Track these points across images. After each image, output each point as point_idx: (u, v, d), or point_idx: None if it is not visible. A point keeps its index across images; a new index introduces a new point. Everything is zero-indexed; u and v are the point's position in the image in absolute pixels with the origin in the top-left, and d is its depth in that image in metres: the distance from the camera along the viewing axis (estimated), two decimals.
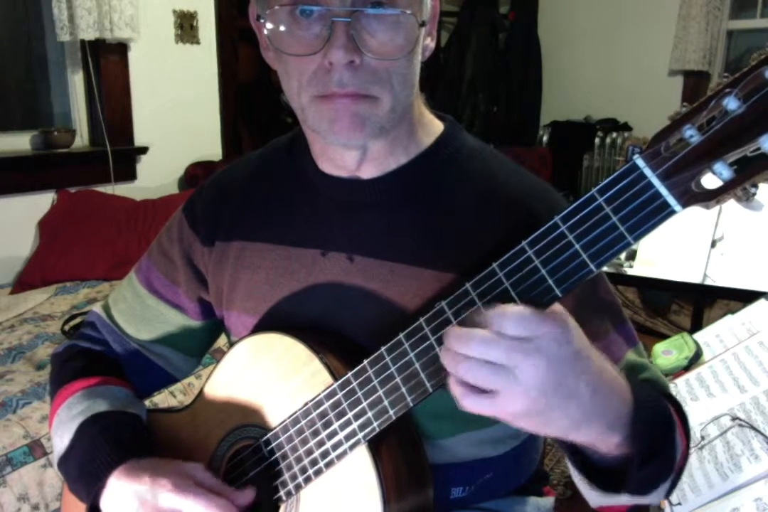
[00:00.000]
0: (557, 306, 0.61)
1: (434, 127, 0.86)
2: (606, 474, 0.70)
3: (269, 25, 0.74)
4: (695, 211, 0.57)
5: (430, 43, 0.81)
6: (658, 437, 0.68)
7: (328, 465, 0.73)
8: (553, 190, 0.85)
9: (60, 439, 0.88)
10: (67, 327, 2.21)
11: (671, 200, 0.55)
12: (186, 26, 3.19)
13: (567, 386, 0.59)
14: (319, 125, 0.76)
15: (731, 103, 0.51)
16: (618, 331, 0.81)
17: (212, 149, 3.41)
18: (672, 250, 1.93)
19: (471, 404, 0.60)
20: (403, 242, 0.80)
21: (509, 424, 0.61)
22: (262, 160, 0.94)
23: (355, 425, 0.71)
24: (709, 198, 0.53)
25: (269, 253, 0.86)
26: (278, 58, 0.77)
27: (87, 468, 0.83)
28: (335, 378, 0.73)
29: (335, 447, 0.72)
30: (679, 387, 1.33)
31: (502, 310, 0.59)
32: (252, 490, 0.79)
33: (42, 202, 2.83)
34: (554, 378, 0.58)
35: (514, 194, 0.81)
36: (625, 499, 0.72)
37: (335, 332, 0.81)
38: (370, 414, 0.70)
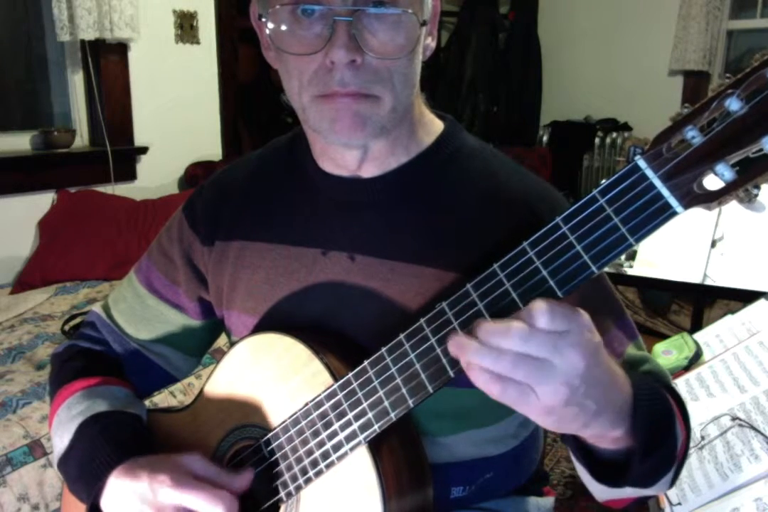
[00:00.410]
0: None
1: (435, 126, 0.86)
2: (609, 467, 0.70)
3: (270, 25, 0.74)
4: (696, 211, 0.57)
5: (431, 43, 0.82)
6: (658, 429, 0.68)
7: (329, 465, 0.73)
8: (553, 189, 0.85)
9: (60, 439, 0.88)
10: (67, 327, 2.21)
11: (673, 201, 0.55)
12: (186, 26, 3.19)
13: (595, 376, 0.59)
14: (320, 125, 0.76)
15: (733, 104, 0.51)
16: (618, 326, 0.81)
17: (212, 149, 3.41)
18: (672, 250, 1.93)
19: (511, 398, 0.58)
20: (403, 241, 0.80)
21: (534, 420, 0.61)
22: (262, 159, 0.94)
23: (355, 426, 0.71)
24: (711, 199, 0.53)
25: (269, 253, 0.86)
26: (279, 57, 0.77)
27: (87, 468, 0.83)
28: (336, 378, 0.73)
29: (336, 448, 0.72)
30: (679, 387, 1.33)
31: (535, 306, 0.58)
32: (250, 472, 0.78)
33: (42, 202, 2.83)
34: (588, 369, 0.58)
35: (514, 193, 0.81)
36: (629, 491, 0.73)
37: (336, 332, 0.81)
38: (370, 415, 0.70)
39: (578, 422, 0.61)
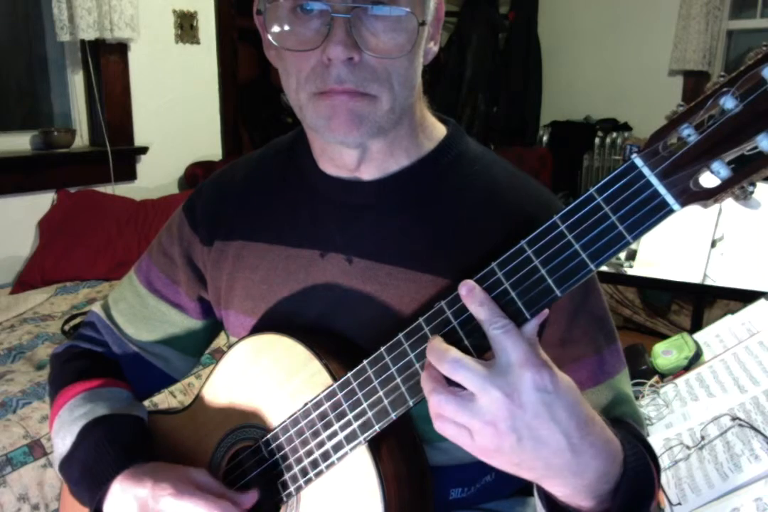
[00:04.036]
0: (545, 356, 0.60)
1: (436, 130, 0.86)
2: None
3: (269, 20, 0.74)
4: (695, 210, 0.57)
5: (433, 47, 0.81)
6: (637, 503, 0.65)
7: (329, 466, 0.73)
8: (554, 197, 0.85)
9: (61, 441, 0.88)
10: (67, 327, 2.21)
11: (670, 199, 0.55)
12: (186, 26, 3.19)
13: (539, 432, 0.58)
14: (316, 122, 0.75)
15: (728, 102, 0.51)
16: (610, 349, 0.80)
17: (212, 149, 3.41)
18: (672, 249, 1.93)
19: (447, 432, 0.62)
20: (401, 246, 0.80)
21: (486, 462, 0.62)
22: (262, 159, 0.94)
23: (355, 426, 0.71)
24: (707, 197, 0.53)
25: (268, 253, 0.86)
26: (279, 55, 0.77)
27: (90, 472, 0.83)
28: (335, 378, 0.73)
29: (336, 448, 0.72)
30: (679, 387, 1.33)
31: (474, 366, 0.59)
32: (255, 493, 0.78)
33: (42, 202, 2.83)
34: (525, 420, 0.58)
35: (514, 200, 0.81)
36: None
37: (334, 333, 0.81)
38: (370, 414, 0.70)
39: (525, 472, 0.61)
